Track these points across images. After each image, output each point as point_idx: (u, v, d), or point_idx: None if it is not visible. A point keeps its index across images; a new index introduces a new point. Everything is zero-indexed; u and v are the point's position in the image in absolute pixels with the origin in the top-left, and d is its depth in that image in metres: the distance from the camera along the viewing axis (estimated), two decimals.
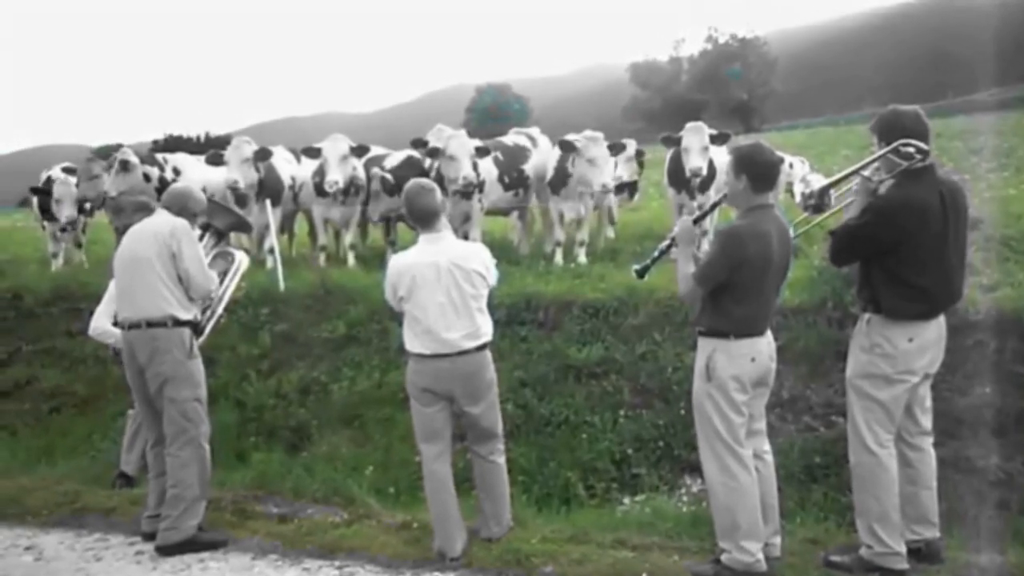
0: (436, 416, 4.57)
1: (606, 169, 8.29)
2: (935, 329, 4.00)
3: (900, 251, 3.88)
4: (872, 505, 3.99)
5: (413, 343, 4.52)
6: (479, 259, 4.55)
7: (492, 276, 4.62)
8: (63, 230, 10.14)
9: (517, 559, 4.41)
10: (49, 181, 10.35)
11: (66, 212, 9.60)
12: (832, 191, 4.13)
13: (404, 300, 4.49)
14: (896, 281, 3.91)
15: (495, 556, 4.46)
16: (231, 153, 8.87)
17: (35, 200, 10.64)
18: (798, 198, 4.18)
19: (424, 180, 4.80)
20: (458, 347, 4.44)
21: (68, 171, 10.11)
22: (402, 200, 4.73)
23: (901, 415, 4.03)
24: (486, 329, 4.56)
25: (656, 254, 4.45)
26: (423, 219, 4.56)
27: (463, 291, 4.43)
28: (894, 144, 3.89)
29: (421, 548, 4.64)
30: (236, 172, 8.73)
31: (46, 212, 10.28)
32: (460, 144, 8.25)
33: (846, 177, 4.14)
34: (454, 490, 4.62)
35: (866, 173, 4.05)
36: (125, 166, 9.02)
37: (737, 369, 4.00)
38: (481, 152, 8.45)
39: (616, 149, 8.65)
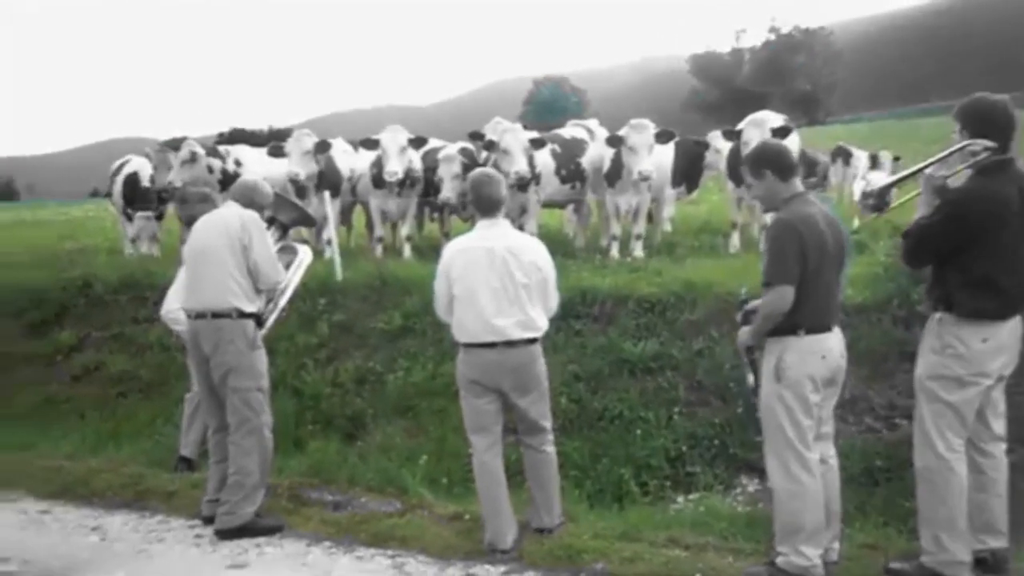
0: (486, 408, 4.57)
1: (644, 156, 8.17)
2: (1011, 330, 3.84)
3: (976, 247, 3.72)
4: (938, 512, 3.85)
5: (462, 332, 4.51)
6: (536, 251, 4.56)
7: (549, 269, 4.59)
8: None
9: (568, 555, 4.39)
10: (137, 176, 10.79)
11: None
12: (894, 189, 4.00)
13: (455, 282, 4.47)
14: (970, 279, 3.75)
15: (546, 551, 4.45)
16: (292, 145, 9.01)
17: (119, 190, 10.98)
18: (857, 195, 4.07)
19: (491, 170, 4.89)
20: (506, 336, 4.42)
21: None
22: (467, 187, 4.78)
23: (973, 419, 3.89)
24: (540, 323, 4.52)
25: (754, 408, 4.20)
26: (486, 207, 4.58)
27: (515, 279, 4.41)
28: (961, 144, 3.75)
29: (472, 540, 4.65)
30: (297, 164, 8.87)
31: (131, 203, 10.73)
32: (514, 138, 8.23)
33: (910, 176, 4.01)
34: (505, 483, 4.62)
35: (930, 171, 3.92)
36: (193, 157, 9.23)
37: (809, 368, 3.88)
38: (536, 144, 8.42)
39: (664, 137, 8.50)
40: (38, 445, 6.83)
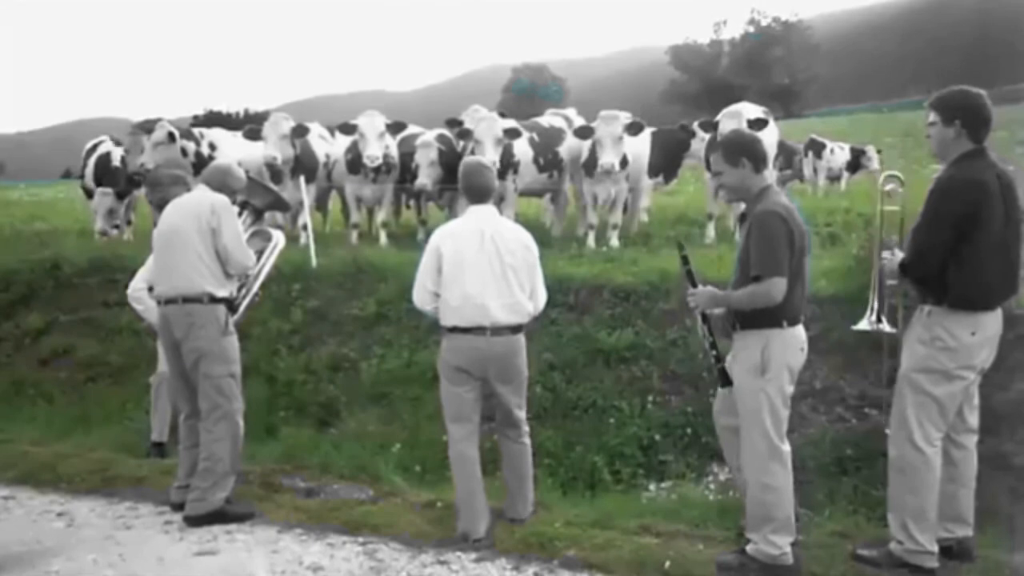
0: (466, 396, 4.56)
1: (608, 148, 8.15)
2: (994, 322, 3.86)
3: (966, 234, 3.72)
4: (909, 501, 3.88)
5: (450, 315, 4.49)
6: (524, 234, 4.63)
7: (536, 252, 4.63)
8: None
9: (540, 543, 4.40)
10: (109, 157, 10.66)
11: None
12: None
13: (445, 262, 4.46)
14: (962, 269, 3.75)
15: (518, 539, 4.46)
16: (269, 129, 8.90)
17: (91, 171, 10.82)
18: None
19: (483, 159, 5.08)
20: (494, 319, 4.42)
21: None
22: (459, 174, 4.82)
23: (954, 413, 3.91)
24: (527, 307, 4.54)
25: (717, 361, 4.17)
26: (476, 195, 4.64)
27: (504, 260, 4.45)
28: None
29: (445, 528, 4.65)
30: (274, 148, 8.77)
31: (102, 185, 10.58)
32: (487, 128, 8.22)
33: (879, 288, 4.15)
34: (480, 473, 4.61)
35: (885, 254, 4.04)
36: (171, 138, 9.11)
37: (789, 359, 3.92)
38: (512, 134, 8.38)
39: (634, 128, 8.44)
40: (4, 430, 6.72)
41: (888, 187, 4.27)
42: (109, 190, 10.26)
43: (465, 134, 8.58)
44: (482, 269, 4.42)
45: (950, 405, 3.86)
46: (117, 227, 10.58)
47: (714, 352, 4.14)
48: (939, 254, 3.79)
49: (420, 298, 4.61)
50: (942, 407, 3.85)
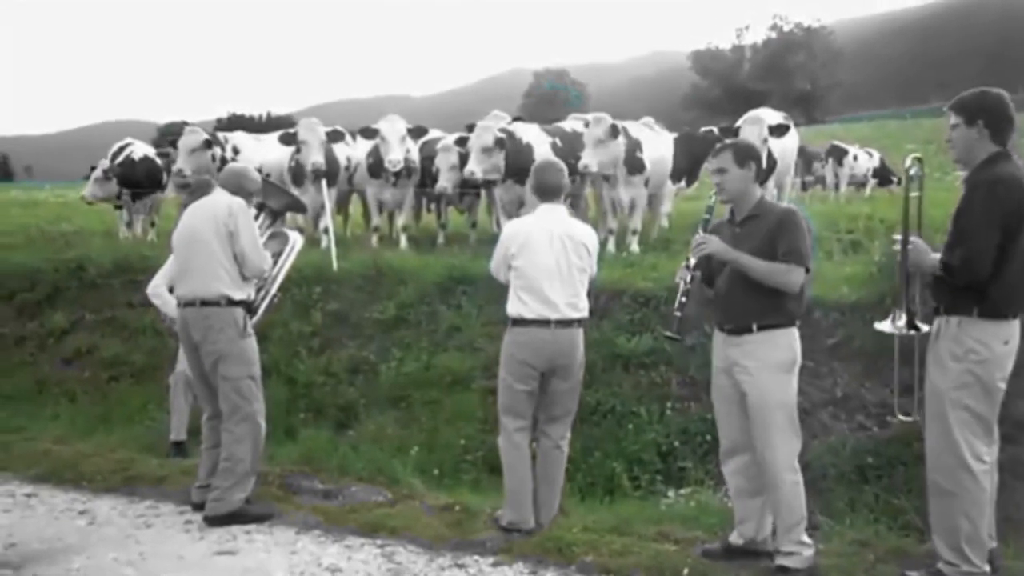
0: (525, 391, 4.61)
1: (587, 151, 8.10)
2: (1018, 330, 3.77)
3: (1011, 232, 3.59)
4: (963, 524, 3.70)
5: (517, 306, 4.58)
6: (589, 236, 4.73)
7: (595, 257, 4.74)
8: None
9: (558, 547, 4.38)
10: (131, 159, 10.96)
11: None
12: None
13: (514, 257, 4.58)
14: (1000, 275, 3.61)
15: (536, 543, 4.45)
16: (309, 135, 8.92)
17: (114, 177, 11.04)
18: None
19: (554, 159, 5.19)
20: (561, 313, 4.53)
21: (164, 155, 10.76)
22: (530, 172, 4.94)
23: (994, 425, 3.80)
24: (586, 305, 4.68)
25: (678, 309, 4.23)
26: (546, 193, 4.75)
27: (571, 261, 4.57)
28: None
29: (462, 530, 4.65)
30: (319, 155, 8.84)
31: (127, 186, 10.88)
32: (474, 138, 8.32)
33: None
34: (531, 464, 4.64)
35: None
36: (207, 144, 9.24)
37: (800, 355, 4.02)
38: (500, 144, 8.33)
39: (613, 132, 8.28)
40: (28, 428, 6.81)
41: (913, 170, 4.16)
42: (99, 175, 10.68)
43: (461, 141, 8.65)
44: (550, 264, 4.54)
45: (991, 417, 3.75)
46: (121, 210, 10.94)
47: (682, 299, 4.22)
48: (992, 257, 3.62)
49: (498, 271, 4.77)
50: (985, 421, 3.73)
